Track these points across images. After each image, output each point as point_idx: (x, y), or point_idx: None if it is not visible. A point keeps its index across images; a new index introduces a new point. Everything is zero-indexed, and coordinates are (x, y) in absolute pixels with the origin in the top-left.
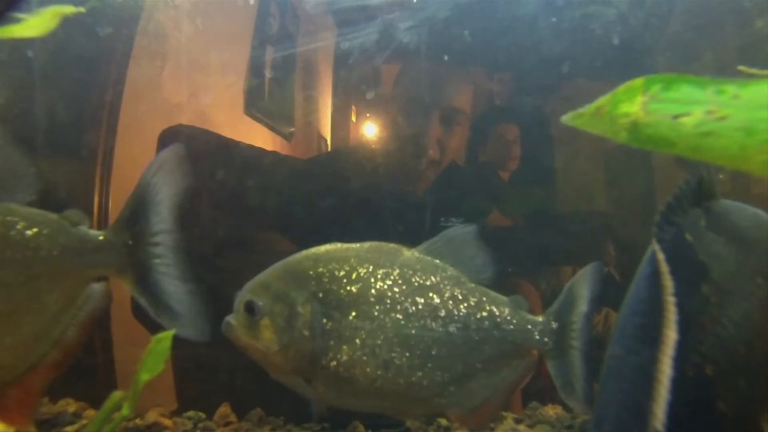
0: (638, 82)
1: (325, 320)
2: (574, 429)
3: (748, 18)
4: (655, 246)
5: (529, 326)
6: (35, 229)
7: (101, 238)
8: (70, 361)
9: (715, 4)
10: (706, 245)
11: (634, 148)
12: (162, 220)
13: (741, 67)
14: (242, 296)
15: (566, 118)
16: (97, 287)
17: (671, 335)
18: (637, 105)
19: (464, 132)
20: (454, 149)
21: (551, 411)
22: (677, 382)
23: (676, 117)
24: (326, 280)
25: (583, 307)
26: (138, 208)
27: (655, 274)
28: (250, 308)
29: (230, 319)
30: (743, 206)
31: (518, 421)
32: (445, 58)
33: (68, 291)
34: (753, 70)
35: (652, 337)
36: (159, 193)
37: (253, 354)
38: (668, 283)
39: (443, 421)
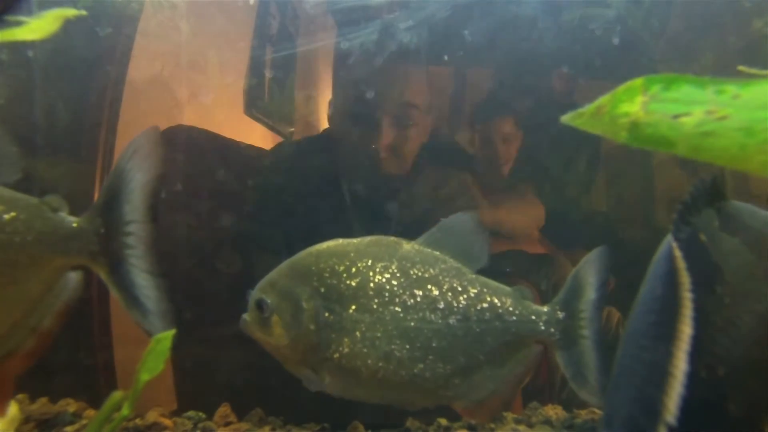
0: (638, 82)
1: (327, 314)
2: (574, 429)
3: (748, 18)
4: (673, 243)
5: (533, 317)
6: (13, 213)
7: (75, 224)
8: (46, 350)
9: (715, 4)
10: (720, 246)
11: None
12: (134, 209)
13: (741, 67)
14: (254, 294)
15: (566, 118)
16: (74, 276)
17: (686, 330)
18: (637, 105)
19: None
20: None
21: (551, 411)
22: (691, 378)
23: (676, 117)
24: (327, 275)
25: (590, 294)
26: (112, 196)
27: (670, 272)
28: (260, 306)
29: (246, 316)
30: (753, 208)
31: (518, 421)
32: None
33: (45, 278)
34: (753, 70)
35: (666, 334)
36: (132, 181)
37: (267, 348)
38: (685, 280)
39: (443, 421)
